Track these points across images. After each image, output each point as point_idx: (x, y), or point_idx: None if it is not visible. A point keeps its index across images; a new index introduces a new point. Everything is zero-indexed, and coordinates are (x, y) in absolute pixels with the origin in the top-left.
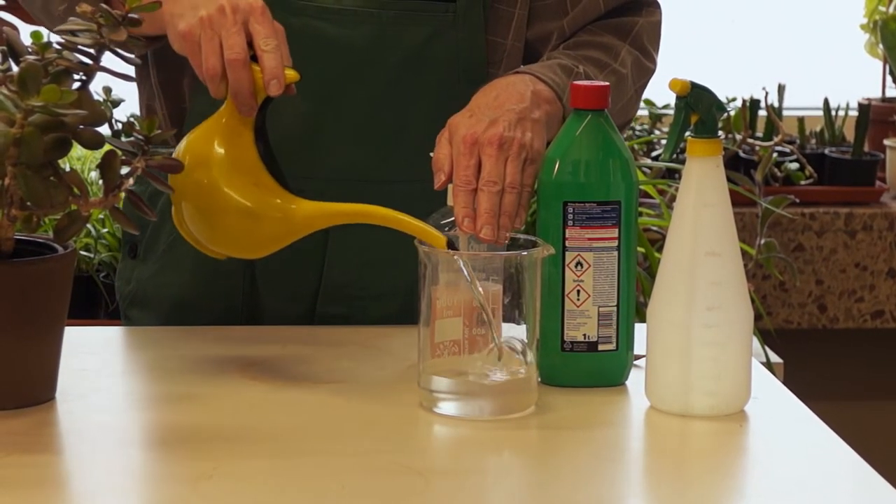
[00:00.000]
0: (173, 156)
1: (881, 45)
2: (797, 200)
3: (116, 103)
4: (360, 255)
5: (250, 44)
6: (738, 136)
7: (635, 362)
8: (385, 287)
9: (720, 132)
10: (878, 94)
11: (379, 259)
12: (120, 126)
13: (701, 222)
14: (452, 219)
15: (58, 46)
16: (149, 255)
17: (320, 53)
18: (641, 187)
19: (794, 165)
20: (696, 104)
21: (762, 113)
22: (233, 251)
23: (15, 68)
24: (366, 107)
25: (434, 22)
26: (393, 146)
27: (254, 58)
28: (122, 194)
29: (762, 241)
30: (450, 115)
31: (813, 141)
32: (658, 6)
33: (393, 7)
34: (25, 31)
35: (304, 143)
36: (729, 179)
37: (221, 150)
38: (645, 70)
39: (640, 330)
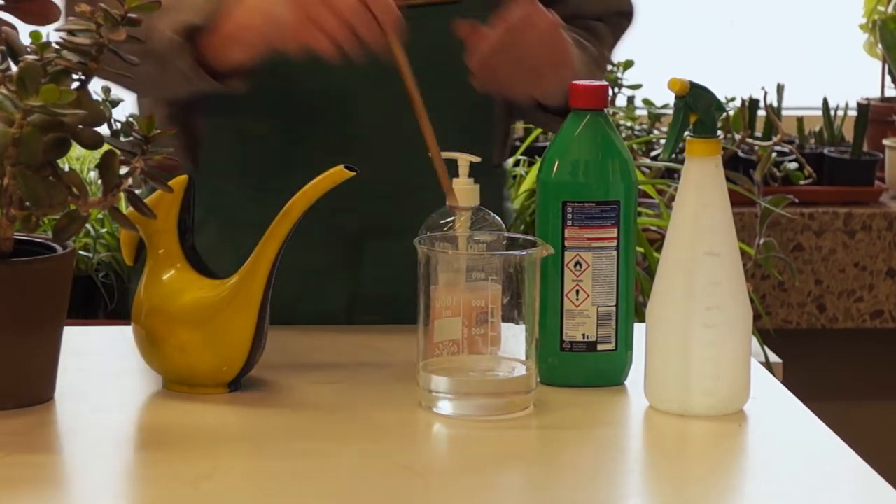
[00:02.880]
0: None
1: (880, 45)
2: (796, 200)
3: (115, 103)
4: (395, 264)
5: None
6: (738, 136)
7: None
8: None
9: (719, 132)
10: (878, 94)
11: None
12: (119, 126)
13: (700, 222)
14: (452, 218)
15: (57, 46)
16: None
17: (339, 71)
18: (640, 187)
19: (794, 165)
20: (696, 104)
21: (761, 113)
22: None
23: (14, 68)
24: (387, 118)
25: (443, 26)
26: (420, 151)
27: None
28: (122, 194)
29: (761, 241)
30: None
31: (812, 141)
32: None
33: (404, 17)
34: (24, 31)
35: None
36: (728, 179)
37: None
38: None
39: (639, 330)
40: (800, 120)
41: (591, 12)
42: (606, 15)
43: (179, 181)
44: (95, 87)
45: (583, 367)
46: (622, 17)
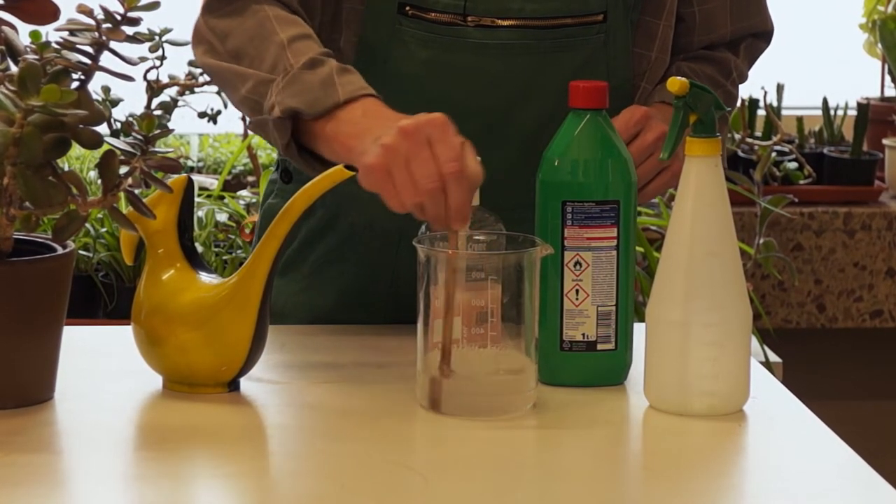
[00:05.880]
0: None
1: (880, 45)
2: (796, 200)
3: (115, 103)
4: None
5: None
6: (737, 136)
7: None
8: None
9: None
10: (877, 94)
11: None
12: (119, 126)
13: (700, 222)
14: None
15: (57, 46)
16: (291, 271)
17: (481, 88)
18: None
19: (793, 165)
20: (695, 104)
21: (761, 112)
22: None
23: (14, 68)
24: (526, 137)
25: (588, 45)
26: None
27: None
28: (121, 194)
29: (761, 241)
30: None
31: (812, 140)
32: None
33: (548, 37)
34: (24, 31)
35: None
36: (728, 179)
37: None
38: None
39: (638, 329)
40: (799, 119)
41: (723, 35)
42: (741, 38)
43: (179, 181)
44: (95, 86)
45: (582, 367)
46: (759, 39)
